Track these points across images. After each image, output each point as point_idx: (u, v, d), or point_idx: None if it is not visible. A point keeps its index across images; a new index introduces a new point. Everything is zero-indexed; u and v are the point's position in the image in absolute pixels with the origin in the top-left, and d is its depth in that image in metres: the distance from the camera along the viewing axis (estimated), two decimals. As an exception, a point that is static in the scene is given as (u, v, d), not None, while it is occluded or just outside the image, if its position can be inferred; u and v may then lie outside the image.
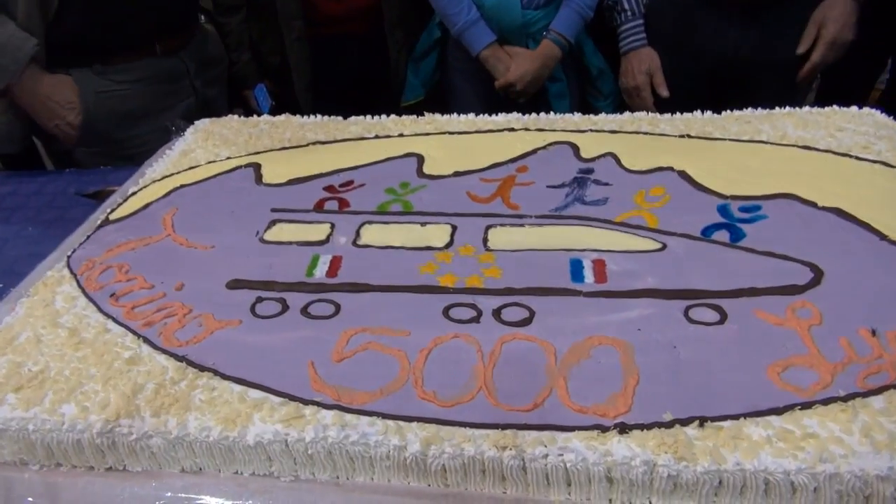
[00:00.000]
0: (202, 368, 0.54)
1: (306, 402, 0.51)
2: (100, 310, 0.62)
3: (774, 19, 1.19)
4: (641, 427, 0.47)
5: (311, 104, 1.56)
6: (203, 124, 1.01)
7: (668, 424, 0.47)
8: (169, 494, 0.49)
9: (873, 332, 0.52)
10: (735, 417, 0.47)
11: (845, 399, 0.47)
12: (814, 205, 0.68)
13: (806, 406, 0.47)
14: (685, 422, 0.47)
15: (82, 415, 0.51)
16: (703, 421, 0.46)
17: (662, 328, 0.55)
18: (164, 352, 0.56)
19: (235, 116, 1.05)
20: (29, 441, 0.51)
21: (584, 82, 1.41)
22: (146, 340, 0.57)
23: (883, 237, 0.63)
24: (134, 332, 0.58)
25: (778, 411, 0.47)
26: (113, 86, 1.15)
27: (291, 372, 0.53)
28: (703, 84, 1.20)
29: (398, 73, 1.60)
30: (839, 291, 0.57)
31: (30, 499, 0.50)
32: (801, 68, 1.20)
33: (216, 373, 0.54)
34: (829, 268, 0.60)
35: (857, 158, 0.76)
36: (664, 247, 0.65)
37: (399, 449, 0.47)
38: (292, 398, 0.51)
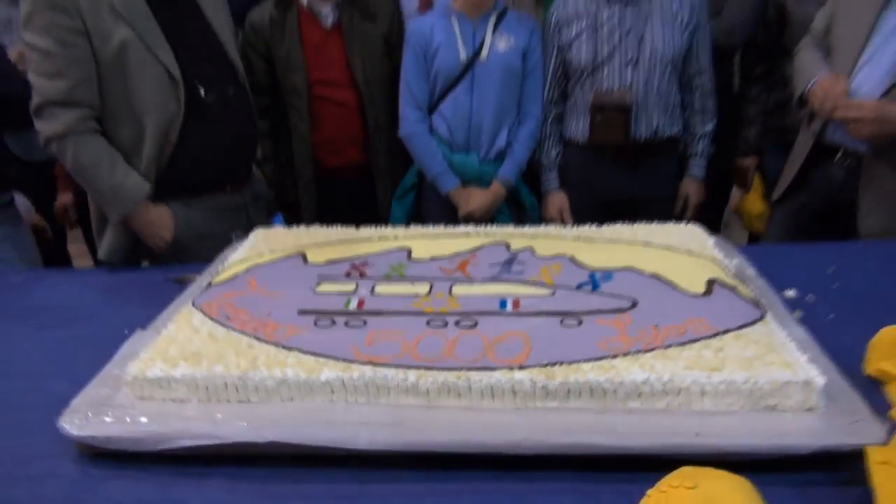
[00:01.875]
0: (290, 349, 0.96)
1: (352, 362, 0.93)
2: (222, 325, 1.04)
3: (650, 169, 1.78)
4: (531, 367, 0.90)
5: None
6: (260, 231, 1.48)
7: (544, 365, 0.90)
8: (276, 413, 0.89)
9: (655, 326, 0.98)
10: (577, 362, 0.90)
11: (634, 354, 0.92)
12: (642, 272, 1.17)
13: (613, 357, 0.91)
14: (553, 364, 0.90)
15: (226, 370, 0.92)
16: (560, 363, 0.90)
17: (547, 328, 0.99)
18: (268, 342, 0.98)
19: (281, 228, 1.53)
20: (195, 384, 0.91)
21: (521, 212, 1.96)
22: (256, 337, 1.00)
23: (676, 287, 1.11)
24: (247, 335, 1.01)
25: (598, 359, 0.91)
26: (195, 213, 1.63)
27: (343, 350, 0.95)
28: (601, 215, 1.74)
29: (384, 210, 2.13)
30: (644, 312, 1.03)
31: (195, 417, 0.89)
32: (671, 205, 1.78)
33: (300, 350, 0.96)
34: (641, 301, 1.06)
35: (674, 250, 1.27)
36: (554, 293, 1.11)
37: (403, 381, 0.89)
38: (344, 360, 0.93)
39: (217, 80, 1.63)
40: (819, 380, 0.84)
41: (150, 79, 1.52)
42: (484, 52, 1.84)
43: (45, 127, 1.49)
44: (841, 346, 1.00)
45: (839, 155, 1.62)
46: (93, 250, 2.01)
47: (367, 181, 2.09)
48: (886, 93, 1.51)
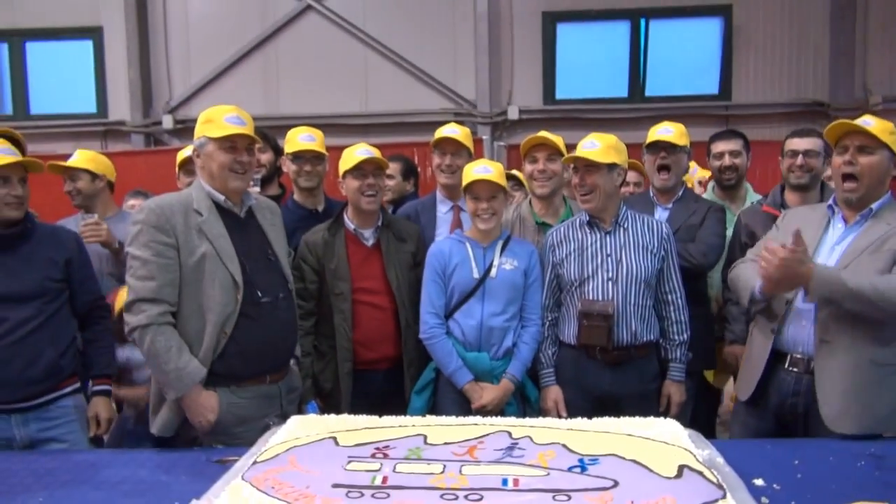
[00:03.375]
0: (327, 515, 1.16)
1: (378, 527, 1.12)
2: (268, 495, 1.24)
3: (633, 368, 2.04)
4: (526, 533, 1.08)
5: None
6: (296, 417, 1.71)
7: (538, 532, 1.08)
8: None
9: (633, 502, 1.17)
10: (566, 529, 1.09)
11: (613, 524, 1.10)
12: (623, 458, 1.37)
13: (596, 526, 1.10)
14: (544, 531, 1.09)
15: (273, 531, 1.11)
16: (551, 530, 1.08)
17: (542, 503, 1.19)
18: (307, 509, 1.18)
19: (314, 414, 1.76)
20: (246, 543, 1.10)
21: (525, 404, 2.19)
22: (297, 506, 1.19)
23: (651, 470, 1.31)
24: None
25: (583, 527, 1.09)
26: (237, 399, 1.89)
27: (370, 516, 1.15)
28: (592, 407, 1.97)
29: (411, 396, 2.36)
30: (624, 490, 1.22)
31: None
32: (654, 400, 2.00)
33: (335, 516, 1.15)
34: (622, 481, 1.26)
35: (652, 440, 1.48)
36: (548, 473, 1.31)
37: (420, 543, 1.07)
38: (371, 525, 1.12)
39: (271, 286, 1.99)
40: (765, 547, 1.02)
41: (219, 284, 1.88)
42: (493, 272, 2.23)
43: (132, 319, 1.82)
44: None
45: (788, 361, 1.88)
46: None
47: (397, 371, 2.37)
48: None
